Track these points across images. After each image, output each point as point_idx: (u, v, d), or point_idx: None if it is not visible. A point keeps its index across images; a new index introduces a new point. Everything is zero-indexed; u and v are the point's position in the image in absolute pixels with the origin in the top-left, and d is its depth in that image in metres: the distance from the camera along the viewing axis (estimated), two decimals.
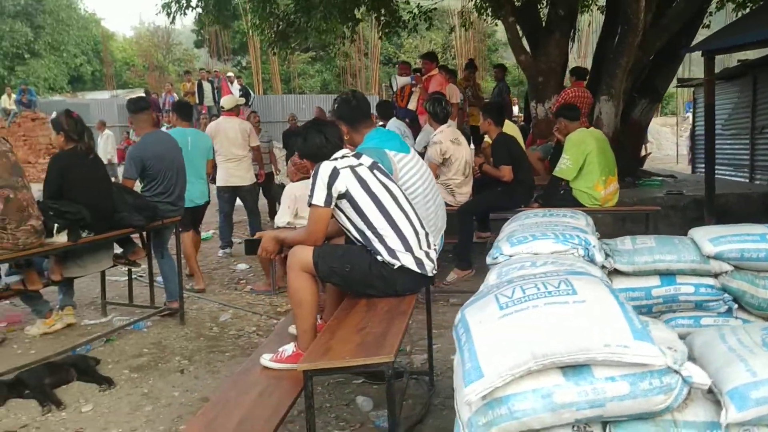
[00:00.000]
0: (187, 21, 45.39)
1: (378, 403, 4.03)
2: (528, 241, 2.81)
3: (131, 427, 3.89)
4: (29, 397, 4.21)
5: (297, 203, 6.47)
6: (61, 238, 4.69)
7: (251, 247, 3.74)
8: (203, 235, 8.95)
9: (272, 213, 10.58)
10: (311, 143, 3.53)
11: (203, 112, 17.79)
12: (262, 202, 9.92)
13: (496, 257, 2.84)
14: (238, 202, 8.60)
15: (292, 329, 3.81)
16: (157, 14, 32.23)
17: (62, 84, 32.00)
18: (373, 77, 29.56)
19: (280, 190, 10.17)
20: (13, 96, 20.69)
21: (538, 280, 2.05)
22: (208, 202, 7.27)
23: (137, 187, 5.75)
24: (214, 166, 7.74)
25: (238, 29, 28.07)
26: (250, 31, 24.53)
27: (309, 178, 6.60)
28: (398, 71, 11.20)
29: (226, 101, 8.73)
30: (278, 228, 6.41)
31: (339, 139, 3.58)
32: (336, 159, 3.42)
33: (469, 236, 6.55)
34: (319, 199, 3.32)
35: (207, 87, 19.12)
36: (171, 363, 4.86)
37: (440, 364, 4.49)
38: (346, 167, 3.37)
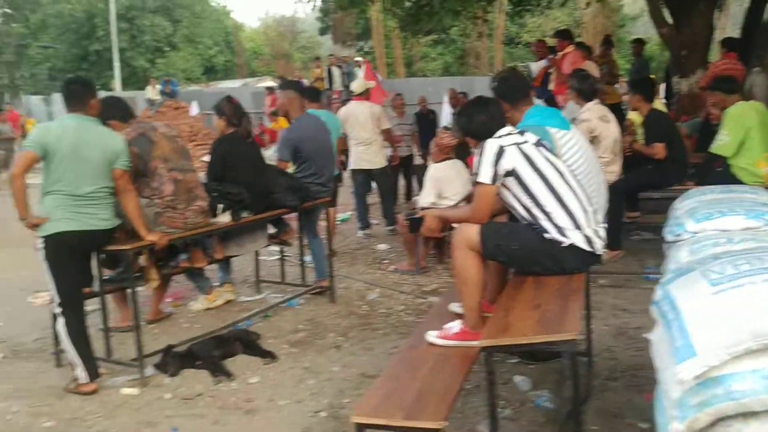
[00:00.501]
0: (311, 9, 46.55)
1: (536, 383, 3.99)
2: (715, 218, 2.68)
3: (297, 399, 4.04)
4: (201, 367, 4.46)
5: (440, 184, 6.49)
6: (224, 218, 4.93)
7: (414, 225, 3.76)
8: (342, 216, 9.18)
9: (409, 195, 10.68)
10: (476, 121, 3.51)
11: (335, 96, 18.16)
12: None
13: (679, 234, 2.73)
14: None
15: (453, 307, 3.83)
16: (296, 2, 32.90)
17: (198, 74, 33.62)
18: (497, 58, 29.10)
19: (421, 172, 10.28)
20: (157, 87, 21.99)
21: (750, 256, 1.95)
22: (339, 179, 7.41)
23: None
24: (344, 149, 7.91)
25: (362, 14, 28.36)
26: (374, 16, 24.81)
27: (452, 159, 6.71)
28: (534, 49, 10.96)
29: (355, 85, 8.84)
30: (422, 209, 6.47)
31: (503, 117, 3.54)
32: (501, 136, 3.38)
33: (620, 215, 6.33)
34: (486, 176, 3.30)
35: (336, 72, 19.50)
36: (327, 339, 5.01)
37: (595, 345, 4.38)
38: (511, 145, 3.33)
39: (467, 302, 3.38)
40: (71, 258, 4.12)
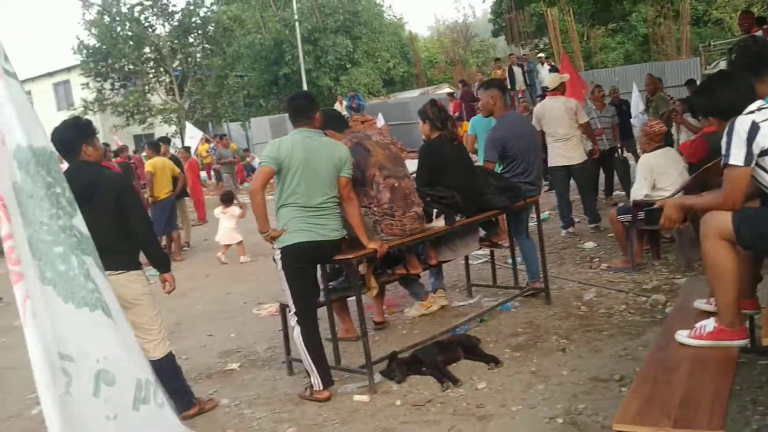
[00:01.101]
0: (480, 13, 46.33)
1: None
2: None
3: (528, 404, 3.90)
4: (426, 374, 4.46)
5: (654, 174, 6.08)
6: (439, 223, 4.91)
7: (651, 216, 3.50)
8: (542, 215, 8.91)
9: (609, 189, 10.20)
10: (720, 98, 3.20)
11: (520, 95, 17.89)
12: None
13: None
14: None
15: (699, 304, 3.53)
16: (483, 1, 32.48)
17: (378, 87, 34.52)
18: (683, 41, 27.09)
19: (622, 165, 9.78)
20: (344, 102, 22.84)
21: None
22: None
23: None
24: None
25: (534, 12, 27.77)
26: (549, 12, 24.12)
27: (664, 147, 6.26)
28: (738, 21, 10.06)
29: (549, 80, 8.55)
30: (634, 203, 6.10)
31: (751, 91, 3.18)
32: (752, 111, 3.03)
33: None
34: (738, 157, 2.96)
35: (517, 71, 19.18)
36: (549, 342, 4.82)
37: None
38: (766, 120, 2.98)
39: (723, 298, 3.08)
40: (306, 268, 4.28)
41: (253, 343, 5.72)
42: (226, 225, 9.73)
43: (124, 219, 4.03)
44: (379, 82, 35.01)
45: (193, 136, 19.88)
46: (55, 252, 2.94)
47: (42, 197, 3.03)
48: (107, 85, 29.91)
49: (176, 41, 30.01)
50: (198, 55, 30.79)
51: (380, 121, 18.82)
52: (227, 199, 10.12)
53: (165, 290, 4.33)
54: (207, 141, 21.83)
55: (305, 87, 29.05)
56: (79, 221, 3.20)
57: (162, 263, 4.27)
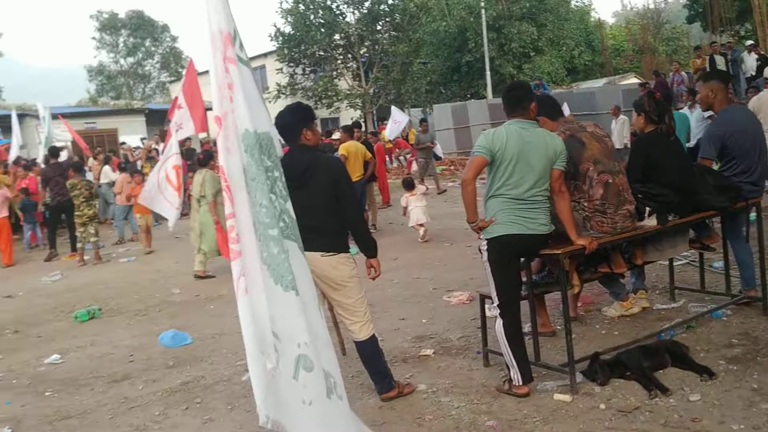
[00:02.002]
0: None
1: None
2: None
3: (752, 424, 3.60)
4: (630, 378, 4.25)
5: None
6: (650, 222, 4.66)
7: None
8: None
9: None
10: None
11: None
12: None
13: None
14: None
15: None
16: None
17: (561, 76, 33.48)
18: None
19: None
20: None
21: None
22: None
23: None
24: None
25: None
26: None
27: None
28: None
29: None
30: None
31: None
32: None
33: None
34: None
35: (720, 60, 17.80)
36: None
37: None
38: None
39: None
40: (511, 261, 4.22)
41: (446, 330, 5.75)
42: (417, 205, 9.94)
43: (338, 203, 4.17)
44: (563, 70, 33.94)
45: (398, 120, 19.96)
46: (270, 234, 3.09)
47: (263, 181, 3.19)
48: (299, 71, 31.50)
49: (365, 28, 30.99)
50: (384, 41, 31.58)
51: (566, 111, 18.28)
52: (409, 185, 10.32)
53: (369, 276, 4.43)
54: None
55: (488, 75, 28.87)
56: (290, 206, 3.34)
57: (370, 248, 4.36)
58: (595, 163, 4.38)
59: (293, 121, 4.21)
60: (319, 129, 4.53)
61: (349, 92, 31.18)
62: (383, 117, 28.76)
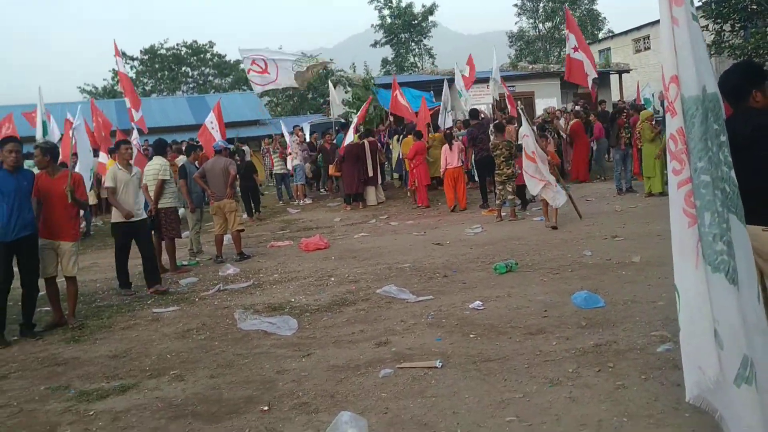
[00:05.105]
0: None
1: None
2: None
3: None
4: None
5: None
6: None
7: None
8: None
9: None
10: None
11: None
12: None
13: None
14: None
15: None
16: None
17: None
18: None
19: None
20: None
21: None
22: None
23: None
24: None
25: None
26: None
27: None
28: None
29: None
30: None
31: None
32: None
33: None
34: None
35: None
36: None
37: None
38: None
39: None
40: None
41: None
42: None
43: None
44: None
45: None
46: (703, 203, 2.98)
47: (708, 147, 3.03)
48: (726, 27, 28.67)
49: None
50: None
51: None
52: None
53: None
54: None
55: None
56: (734, 174, 3.10)
57: None
58: None
59: (741, 82, 3.86)
60: None
61: None
62: None
